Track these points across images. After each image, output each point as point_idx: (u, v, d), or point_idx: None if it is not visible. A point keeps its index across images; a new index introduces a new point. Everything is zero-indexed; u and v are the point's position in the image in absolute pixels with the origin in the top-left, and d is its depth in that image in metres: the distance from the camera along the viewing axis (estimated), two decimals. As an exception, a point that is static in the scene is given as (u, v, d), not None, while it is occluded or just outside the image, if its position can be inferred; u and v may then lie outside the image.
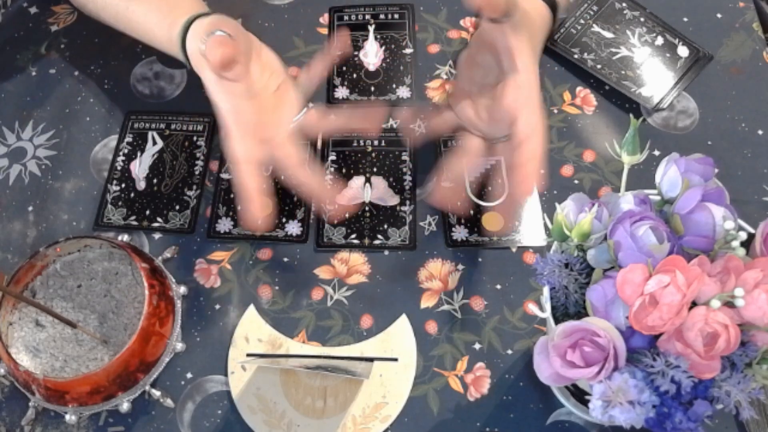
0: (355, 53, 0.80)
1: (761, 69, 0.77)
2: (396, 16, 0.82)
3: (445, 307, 0.66)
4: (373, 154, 0.74)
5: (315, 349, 0.65)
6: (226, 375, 0.64)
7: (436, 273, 0.67)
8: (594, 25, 0.79)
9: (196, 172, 0.73)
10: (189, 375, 0.64)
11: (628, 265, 0.44)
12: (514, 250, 0.68)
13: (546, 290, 0.51)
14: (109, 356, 0.63)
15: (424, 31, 0.81)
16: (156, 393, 0.62)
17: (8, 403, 0.64)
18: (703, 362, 0.43)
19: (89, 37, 0.83)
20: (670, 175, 0.49)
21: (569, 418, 0.61)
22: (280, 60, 0.67)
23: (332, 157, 0.74)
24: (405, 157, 0.73)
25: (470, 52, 0.65)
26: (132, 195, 0.72)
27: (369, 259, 0.68)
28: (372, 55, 0.80)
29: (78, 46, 0.82)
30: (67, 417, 0.61)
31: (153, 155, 0.75)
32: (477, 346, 0.64)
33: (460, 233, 0.69)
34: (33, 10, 0.85)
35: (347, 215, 0.70)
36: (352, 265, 0.68)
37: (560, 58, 0.78)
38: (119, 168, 0.74)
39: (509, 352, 0.64)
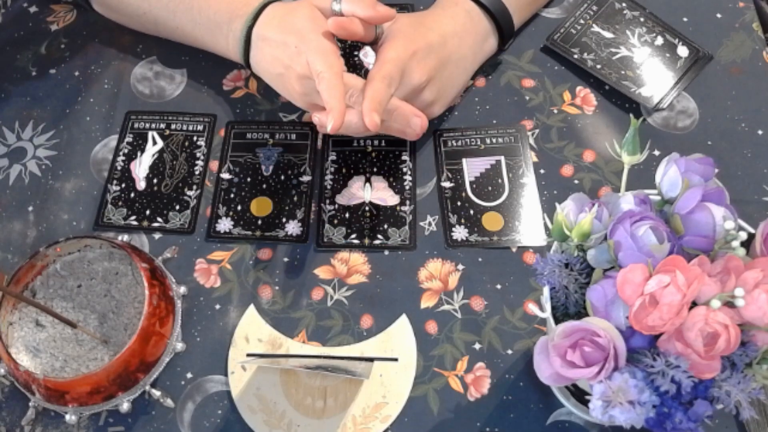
0: (355, 53, 0.80)
1: (761, 69, 0.77)
2: (396, 16, 0.82)
3: (445, 307, 0.66)
4: (373, 154, 0.74)
5: (315, 349, 0.65)
6: (226, 375, 0.64)
7: (436, 273, 0.67)
8: (594, 25, 0.79)
9: (196, 172, 0.73)
10: (189, 375, 0.64)
11: (628, 265, 0.44)
12: (514, 250, 0.68)
13: (546, 290, 0.51)
14: (109, 356, 0.63)
15: (424, 31, 0.80)
16: (156, 393, 0.62)
17: (8, 403, 0.64)
18: (703, 362, 0.43)
19: (89, 37, 0.83)
20: (670, 175, 0.49)
21: (569, 418, 0.61)
22: None
23: (332, 157, 0.74)
24: (405, 157, 0.73)
25: None
26: (132, 195, 0.72)
27: (369, 259, 0.68)
28: (372, 55, 0.79)
29: (78, 46, 0.82)
30: (67, 417, 0.61)
31: (153, 155, 0.75)
32: (477, 346, 0.64)
33: (460, 233, 0.69)
34: (33, 9, 0.85)
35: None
36: (352, 265, 0.68)
37: (560, 58, 0.78)
38: (119, 168, 0.74)
39: (509, 352, 0.64)
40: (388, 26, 0.69)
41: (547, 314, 0.51)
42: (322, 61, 0.63)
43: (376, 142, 0.74)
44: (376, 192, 0.72)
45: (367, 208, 0.71)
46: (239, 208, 0.71)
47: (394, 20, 0.68)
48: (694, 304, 0.43)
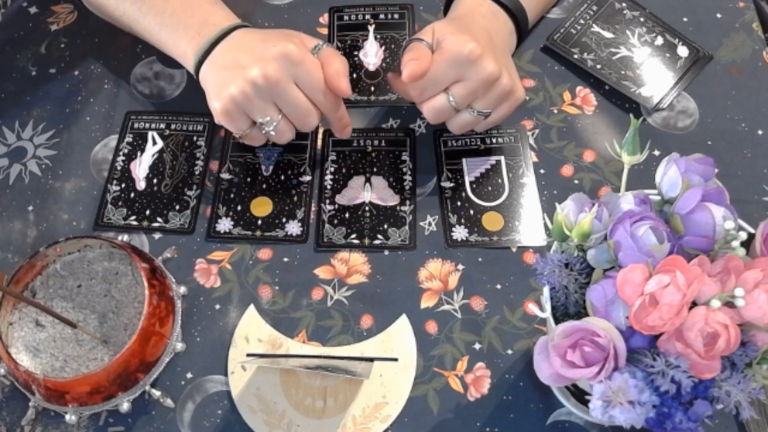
0: (355, 53, 0.80)
1: (761, 69, 0.77)
2: (396, 16, 0.82)
3: (445, 307, 0.66)
4: (373, 154, 0.74)
5: (315, 349, 0.65)
6: (226, 375, 0.64)
7: (436, 273, 0.67)
8: (594, 25, 0.79)
9: (196, 172, 0.73)
10: (189, 375, 0.64)
11: (628, 265, 0.44)
12: (514, 250, 0.68)
13: (546, 290, 0.51)
14: (109, 356, 0.63)
15: (424, 31, 0.80)
16: (156, 393, 0.62)
17: (8, 403, 0.64)
18: (703, 362, 0.43)
19: (89, 37, 0.83)
20: (670, 175, 0.49)
21: (569, 418, 0.61)
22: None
23: (332, 157, 0.74)
24: (405, 157, 0.73)
25: None
26: (132, 195, 0.72)
27: (369, 259, 0.68)
28: (372, 55, 0.80)
29: (78, 46, 0.82)
30: (67, 417, 0.61)
31: (153, 155, 0.75)
32: (477, 346, 0.64)
33: (460, 233, 0.69)
34: (33, 10, 0.85)
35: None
36: (352, 265, 0.68)
37: (560, 58, 0.78)
38: (119, 168, 0.74)
39: (509, 352, 0.64)
40: (433, 40, 0.66)
41: (547, 314, 0.51)
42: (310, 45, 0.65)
43: (376, 143, 0.74)
44: (376, 192, 0.72)
45: (367, 208, 0.71)
46: (239, 208, 0.71)
47: (434, 30, 0.65)
48: (694, 304, 0.43)
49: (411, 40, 0.65)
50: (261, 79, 0.61)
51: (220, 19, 0.68)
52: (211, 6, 0.70)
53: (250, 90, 0.61)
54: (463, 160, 0.73)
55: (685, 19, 0.80)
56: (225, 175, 0.73)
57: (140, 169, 0.74)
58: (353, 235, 0.69)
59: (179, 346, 0.64)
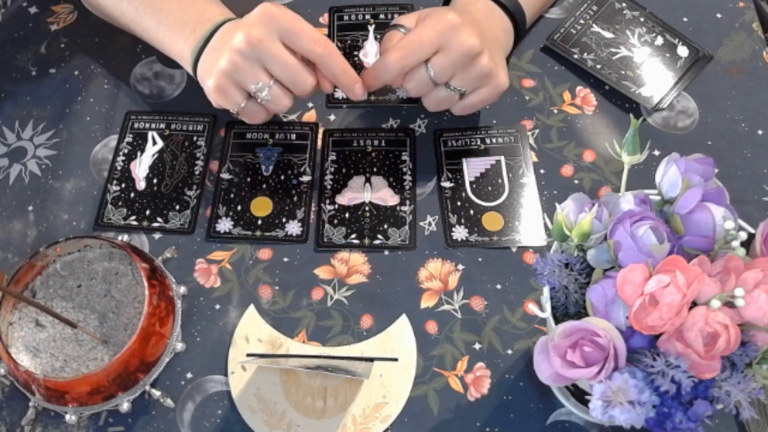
0: (355, 53, 0.80)
1: (761, 69, 0.77)
2: (396, 16, 0.82)
3: (445, 307, 0.66)
4: (373, 154, 0.74)
5: (315, 349, 0.65)
6: (226, 375, 0.64)
7: (436, 273, 0.67)
8: (594, 25, 0.79)
9: (196, 172, 0.73)
10: (189, 375, 0.64)
11: (628, 265, 0.44)
12: (514, 250, 0.68)
13: (546, 290, 0.51)
14: (109, 356, 0.63)
15: (424, 31, 0.80)
16: (156, 393, 0.62)
17: (8, 403, 0.64)
18: (703, 362, 0.43)
19: (89, 37, 0.83)
20: (670, 175, 0.49)
21: (569, 418, 0.61)
22: None
23: (332, 157, 0.74)
24: (405, 157, 0.73)
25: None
26: (132, 195, 0.72)
27: (369, 259, 0.68)
28: (372, 55, 0.80)
29: (78, 46, 0.82)
30: (67, 417, 0.61)
31: (153, 155, 0.75)
32: (477, 346, 0.64)
33: (460, 233, 0.69)
34: (33, 10, 0.85)
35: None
36: (352, 265, 0.68)
37: (560, 58, 0.78)
38: (119, 168, 0.74)
39: (509, 352, 0.64)
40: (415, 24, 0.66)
41: (547, 314, 0.51)
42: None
43: (376, 143, 0.74)
44: (376, 192, 0.72)
45: (367, 208, 0.71)
46: (239, 208, 0.71)
47: (419, 14, 0.66)
48: (694, 304, 0.43)
49: (390, 27, 0.66)
50: (244, 42, 0.61)
51: (215, 14, 0.69)
52: (206, 3, 0.70)
53: (237, 57, 0.61)
54: (463, 160, 0.73)
55: (685, 19, 0.80)
56: (225, 175, 0.73)
57: (140, 169, 0.74)
58: (353, 235, 0.69)
59: (179, 346, 0.64)
